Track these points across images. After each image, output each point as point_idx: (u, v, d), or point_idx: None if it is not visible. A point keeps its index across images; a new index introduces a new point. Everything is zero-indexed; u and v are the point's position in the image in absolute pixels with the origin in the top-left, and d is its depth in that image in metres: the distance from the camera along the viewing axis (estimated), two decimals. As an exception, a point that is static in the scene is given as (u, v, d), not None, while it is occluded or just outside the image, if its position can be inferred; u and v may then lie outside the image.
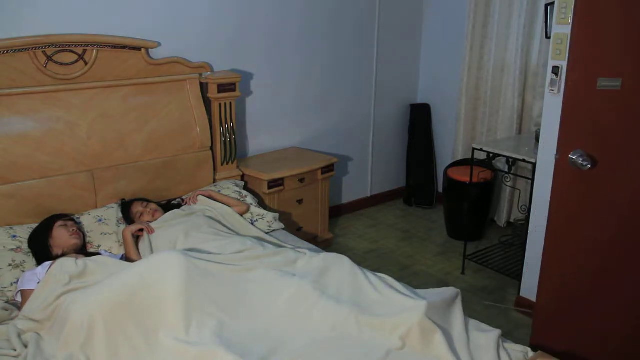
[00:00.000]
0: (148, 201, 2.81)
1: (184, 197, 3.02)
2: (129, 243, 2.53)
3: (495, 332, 1.96)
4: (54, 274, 2.15)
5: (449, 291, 2.08)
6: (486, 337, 1.94)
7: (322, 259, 2.28)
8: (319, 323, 1.93)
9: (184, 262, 2.05)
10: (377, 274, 2.23)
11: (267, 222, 2.95)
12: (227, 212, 2.82)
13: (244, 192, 3.10)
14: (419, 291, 2.13)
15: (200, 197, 2.89)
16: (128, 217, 2.71)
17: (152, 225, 2.61)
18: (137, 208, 2.72)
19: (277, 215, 3.02)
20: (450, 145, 4.46)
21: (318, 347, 1.85)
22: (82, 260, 2.23)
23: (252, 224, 2.89)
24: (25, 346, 1.93)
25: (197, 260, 2.13)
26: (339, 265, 2.21)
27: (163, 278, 2.00)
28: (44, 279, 2.16)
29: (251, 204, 3.00)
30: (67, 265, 2.18)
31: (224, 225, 2.70)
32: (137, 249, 2.53)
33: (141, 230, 2.58)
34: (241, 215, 2.89)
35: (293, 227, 3.41)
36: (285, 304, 2.01)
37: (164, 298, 1.96)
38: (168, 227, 2.57)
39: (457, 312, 2.02)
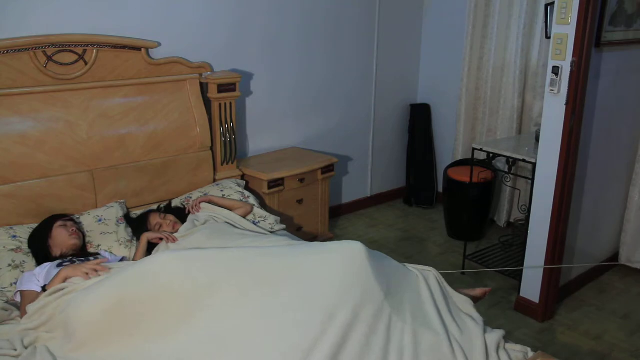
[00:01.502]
0: (165, 212, 2.77)
1: (183, 203, 3.00)
2: (141, 248, 2.52)
3: (499, 333, 1.96)
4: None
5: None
6: (489, 337, 1.94)
7: None
8: (360, 298, 1.90)
9: (180, 260, 2.03)
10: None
11: (269, 224, 2.94)
12: (234, 216, 2.80)
13: (246, 193, 3.10)
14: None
15: (203, 204, 2.85)
16: (145, 228, 2.65)
17: (174, 236, 2.58)
18: (156, 219, 2.69)
19: (278, 218, 3.02)
20: (450, 145, 4.46)
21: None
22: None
23: (255, 225, 2.89)
24: (26, 347, 1.93)
25: (206, 252, 2.12)
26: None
27: (164, 275, 1.98)
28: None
29: (253, 205, 3.00)
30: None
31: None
32: (145, 256, 2.52)
33: (160, 239, 2.55)
34: (246, 216, 2.88)
35: (293, 227, 3.41)
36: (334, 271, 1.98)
37: (166, 295, 1.95)
38: (189, 236, 2.55)
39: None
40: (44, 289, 2.14)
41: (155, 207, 2.92)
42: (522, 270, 3.08)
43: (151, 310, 1.92)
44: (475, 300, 2.27)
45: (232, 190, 3.08)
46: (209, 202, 2.87)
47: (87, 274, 2.14)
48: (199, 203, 2.85)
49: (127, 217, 2.79)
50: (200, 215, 2.77)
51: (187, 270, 2.00)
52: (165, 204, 2.95)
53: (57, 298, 2.05)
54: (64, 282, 2.14)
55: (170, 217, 2.73)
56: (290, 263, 2.06)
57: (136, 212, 2.88)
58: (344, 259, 2.02)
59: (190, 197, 3.02)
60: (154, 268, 2.01)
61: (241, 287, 1.97)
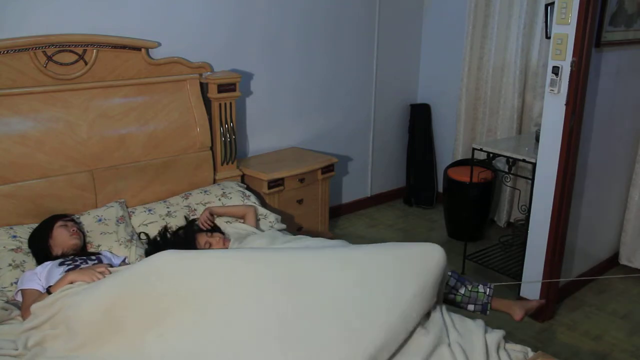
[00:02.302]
0: (211, 231, 2.71)
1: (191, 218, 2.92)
2: None
3: (499, 333, 1.96)
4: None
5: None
6: (490, 337, 1.95)
7: None
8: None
9: (181, 259, 2.03)
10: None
11: (269, 222, 2.95)
12: (252, 228, 2.80)
13: (248, 193, 3.09)
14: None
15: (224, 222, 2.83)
16: (193, 247, 2.59)
17: None
18: (204, 239, 2.64)
19: (279, 217, 3.02)
20: (450, 145, 4.46)
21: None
22: None
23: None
24: (30, 349, 1.93)
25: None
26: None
27: (165, 275, 1.98)
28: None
29: (254, 204, 3.00)
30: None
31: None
32: None
33: None
34: (251, 219, 2.86)
35: (293, 227, 3.41)
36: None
37: (168, 294, 1.94)
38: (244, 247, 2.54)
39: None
40: (48, 291, 2.13)
41: (159, 215, 2.86)
42: (521, 269, 3.08)
43: (153, 310, 1.92)
44: (530, 311, 2.36)
45: (234, 190, 3.08)
46: (212, 213, 2.83)
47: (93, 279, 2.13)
48: (210, 215, 2.81)
49: (153, 241, 2.69)
50: (228, 228, 2.76)
51: (188, 269, 2.00)
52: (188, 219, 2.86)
53: (64, 296, 2.05)
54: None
55: (218, 235, 2.68)
56: (317, 267, 2.02)
57: (142, 222, 2.81)
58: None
59: (190, 194, 3.02)
60: (155, 268, 2.01)
61: (250, 288, 1.95)
